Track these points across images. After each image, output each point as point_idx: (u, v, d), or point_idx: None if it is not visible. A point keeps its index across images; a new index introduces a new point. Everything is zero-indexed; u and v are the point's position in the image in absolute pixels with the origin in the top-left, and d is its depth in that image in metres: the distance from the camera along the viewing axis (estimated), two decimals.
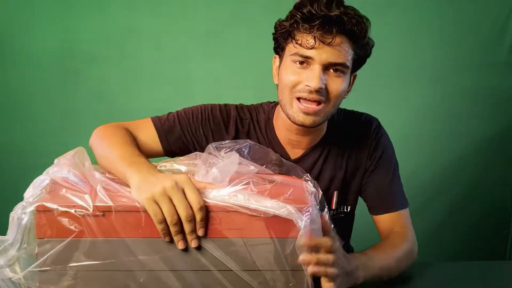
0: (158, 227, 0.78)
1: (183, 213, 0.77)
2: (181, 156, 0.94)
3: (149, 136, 1.11)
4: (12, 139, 1.94)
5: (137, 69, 1.91)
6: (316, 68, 1.01)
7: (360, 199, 1.21)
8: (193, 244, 0.79)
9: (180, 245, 0.79)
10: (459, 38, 1.90)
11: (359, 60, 1.08)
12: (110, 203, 0.78)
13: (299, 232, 0.78)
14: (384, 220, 1.15)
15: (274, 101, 1.19)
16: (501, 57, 1.91)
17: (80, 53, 1.89)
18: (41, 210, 0.77)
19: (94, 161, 0.95)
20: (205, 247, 0.79)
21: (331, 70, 1.02)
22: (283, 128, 1.14)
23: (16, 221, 0.78)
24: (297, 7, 1.03)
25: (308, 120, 1.04)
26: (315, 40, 1.00)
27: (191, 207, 0.78)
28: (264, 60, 1.88)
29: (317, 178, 1.14)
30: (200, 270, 0.80)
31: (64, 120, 1.93)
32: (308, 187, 0.86)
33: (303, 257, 0.78)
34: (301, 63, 1.03)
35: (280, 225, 0.78)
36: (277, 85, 1.11)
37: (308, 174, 0.90)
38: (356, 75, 1.13)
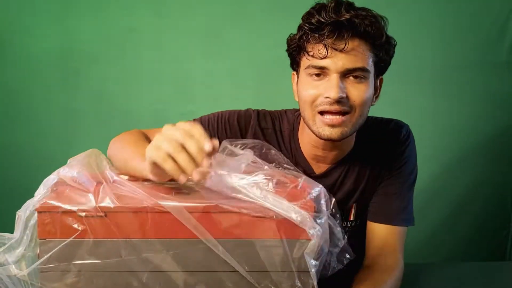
0: (166, 165, 0.72)
1: (191, 145, 0.71)
2: None
3: None
4: (12, 139, 1.94)
5: (137, 69, 1.91)
6: (333, 78, 0.95)
7: None
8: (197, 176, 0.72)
9: (196, 175, 0.71)
10: (459, 38, 1.90)
11: (382, 62, 1.02)
12: (113, 204, 0.78)
13: (308, 236, 0.76)
14: (379, 230, 1.09)
15: (298, 110, 1.10)
16: (501, 57, 1.91)
17: (80, 53, 1.88)
18: (43, 211, 0.77)
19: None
20: (210, 247, 0.78)
21: (351, 77, 0.97)
22: (308, 143, 1.08)
23: (22, 220, 0.78)
24: (305, 18, 0.99)
25: (335, 133, 0.98)
26: (326, 49, 0.94)
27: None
28: (264, 60, 1.90)
29: (338, 190, 1.09)
30: (204, 270, 0.79)
31: (64, 120, 1.93)
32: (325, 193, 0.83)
33: None
34: (318, 75, 0.97)
35: (289, 227, 0.77)
36: (298, 102, 1.05)
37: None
38: (382, 78, 1.07)
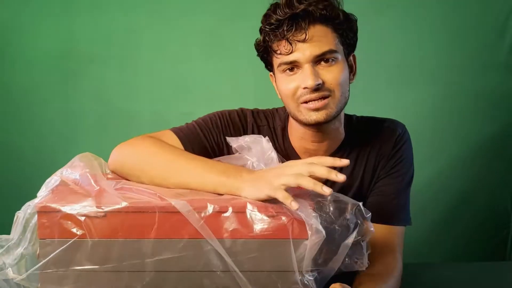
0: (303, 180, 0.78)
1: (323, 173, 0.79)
2: None
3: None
4: (11, 139, 1.94)
5: (137, 70, 1.91)
6: (306, 68, 0.99)
7: None
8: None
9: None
10: (459, 38, 1.90)
11: (349, 40, 1.04)
12: (113, 205, 0.78)
13: (309, 234, 0.77)
14: (378, 230, 1.05)
15: None
16: (501, 57, 1.91)
17: (80, 54, 1.88)
18: (43, 211, 0.77)
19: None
20: (212, 248, 0.78)
21: (322, 62, 1.00)
22: (297, 138, 1.11)
23: (21, 221, 0.78)
24: (263, 20, 1.03)
25: (320, 115, 1.01)
26: (290, 43, 0.98)
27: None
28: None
29: (331, 186, 1.08)
30: (206, 271, 0.79)
31: (64, 120, 1.93)
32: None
33: None
34: (291, 69, 1.01)
35: (291, 227, 0.78)
36: (281, 100, 1.09)
37: None
38: (355, 56, 1.10)
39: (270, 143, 0.93)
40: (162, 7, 1.86)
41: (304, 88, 1.00)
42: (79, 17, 1.86)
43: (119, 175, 0.95)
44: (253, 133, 1.11)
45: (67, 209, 0.77)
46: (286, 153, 1.12)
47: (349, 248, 0.82)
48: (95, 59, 1.88)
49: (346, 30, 1.03)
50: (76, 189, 0.82)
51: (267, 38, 1.02)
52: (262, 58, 1.10)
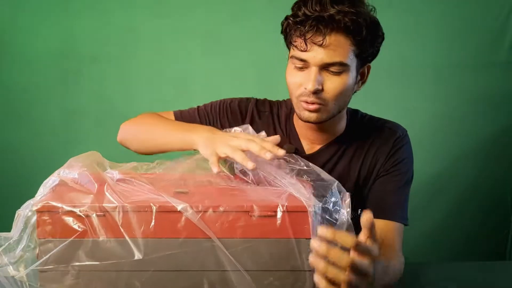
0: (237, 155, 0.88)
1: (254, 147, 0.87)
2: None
3: None
4: (12, 139, 1.94)
5: (137, 69, 1.91)
6: (312, 71, 1.01)
7: None
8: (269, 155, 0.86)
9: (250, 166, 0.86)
10: (459, 38, 1.90)
11: (366, 54, 1.05)
12: (113, 204, 0.78)
13: (307, 231, 0.77)
14: (377, 225, 1.08)
15: None
16: (501, 57, 1.91)
17: (80, 53, 1.89)
18: (42, 211, 0.77)
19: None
20: (212, 247, 0.78)
21: (330, 70, 1.02)
22: (300, 125, 1.16)
23: (21, 220, 0.78)
24: (293, 7, 1.03)
25: (312, 116, 1.05)
26: (306, 43, 0.99)
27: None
28: (264, 58, 1.90)
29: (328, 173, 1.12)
30: (207, 270, 0.79)
31: (64, 120, 1.93)
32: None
33: (312, 259, 0.71)
34: (300, 67, 1.03)
35: (289, 225, 0.78)
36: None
37: None
38: (369, 66, 1.10)
39: (254, 131, 0.98)
40: (162, 7, 1.86)
41: (305, 88, 1.03)
42: (79, 17, 1.86)
43: (125, 146, 1.18)
44: (252, 119, 1.18)
45: (66, 208, 0.77)
46: (288, 135, 1.18)
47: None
48: (96, 59, 1.89)
49: (366, 45, 1.02)
50: (75, 188, 0.82)
51: (288, 29, 1.04)
52: (284, 37, 1.09)
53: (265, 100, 1.22)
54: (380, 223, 1.08)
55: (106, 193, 0.79)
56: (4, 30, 1.86)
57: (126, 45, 1.88)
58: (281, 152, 0.87)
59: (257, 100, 1.21)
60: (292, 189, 0.83)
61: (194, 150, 0.98)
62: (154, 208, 0.78)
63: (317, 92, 1.02)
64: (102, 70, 1.90)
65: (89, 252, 0.78)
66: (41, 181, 0.84)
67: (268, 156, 0.86)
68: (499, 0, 1.87)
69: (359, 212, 1.12)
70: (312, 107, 1.04)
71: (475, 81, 1.93)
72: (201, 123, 1.16)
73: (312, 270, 0.77)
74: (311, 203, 0.79)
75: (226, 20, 1.87)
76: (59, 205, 0.77)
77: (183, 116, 1.19)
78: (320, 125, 1.11)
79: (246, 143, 0.89)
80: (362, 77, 1.10)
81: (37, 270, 0.77)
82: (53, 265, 0.78)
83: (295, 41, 1.02)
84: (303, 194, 0.81)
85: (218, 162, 0.90)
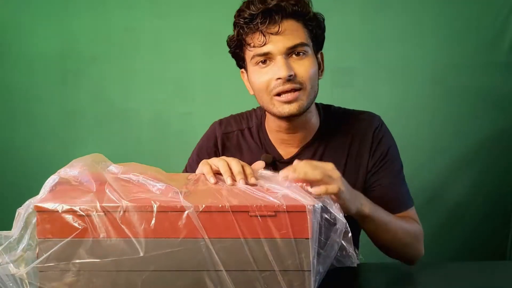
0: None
1: (235, 166, 0.89)
2: None
3: None
4: (12, 138, 1.94)
5: (136, 69, 1.91)
6: (278, 59, 1.03)
7: None
8: (243, 182, 0.87)
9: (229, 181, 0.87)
10: (459, 38, 1.90)
11: (317, 36, 1.09)
12: (113, 203, 0.78)
13: (306, 231, 0.78)
14: None
15: None
16: (501, 57, 1.91)
17: (79, 53, 1.89)
18: (42, 210, 0.77)
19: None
20: (209, 247, 0.79)
21: (294, 55, 1.04)
22: (273, 130, 1.16)
23: (22, 218, 0.78)
24: (237, 15, 1.07)
25: (293, 107, 1.05)
26: (264, 35, 1.03)
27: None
28: None
29: None
30: (206, 270, 0.79)
31: (63, 120, 1.93)
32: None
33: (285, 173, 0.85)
34: (264, 62, 1.05)
35: (289, 225, 0.78)
36: (254, 96, 1.13)
37: None
38: (322, 54, 1.14)
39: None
40: (162, 7, 1.87)
41: (277, 79, 1.03)
42: (79, 17, 1.86)
43: None
44: (223, 146, 1.20)
45: (66, 207, 0.77)
46: (262, 145, 1.18)
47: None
48: (95, 59, 1.89)
49: (315, 27, 1.08)
50: (75, 186, 0.82)
51: (241, 31, 1.07)
52: (234, 54, 1.14)
53: (229, 118, 1.23)
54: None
55: (107, 191, 0.79)
56: (4, 30, 1.86)
57: (126, 45, 1.89)
58: (252, 180, 0.88)
59: (220, 123, 1.22)
60: (290, 190, 0.83)
61: None
62: (154, 207, 0.78)
63: (291, 78, 1.03)
64: (101, 70, 1.90)
65: (89, 250, 0.78)
66: (41, 180, 0.84)
67: (212, 180, 0.89)
68: (499, 0, 1.87)
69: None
70: (290, 96, 1.04)
71: (475, 81, 1.93)
72: None
73: (312, 270, 0.77)
74: (310, 203, 0.79)
75: (226, 20, 1.87)
76: (59, 204, 0.77)
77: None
78: (294, 123, 1.11)
79: (218, 162, 0.91)
80: (319, 65, 1.12)
81: (35, 269, 0.77)
82: (53, 263, 0.78)
83: (251, 40, 1.05)
84: (302, 194, 0.81)
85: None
